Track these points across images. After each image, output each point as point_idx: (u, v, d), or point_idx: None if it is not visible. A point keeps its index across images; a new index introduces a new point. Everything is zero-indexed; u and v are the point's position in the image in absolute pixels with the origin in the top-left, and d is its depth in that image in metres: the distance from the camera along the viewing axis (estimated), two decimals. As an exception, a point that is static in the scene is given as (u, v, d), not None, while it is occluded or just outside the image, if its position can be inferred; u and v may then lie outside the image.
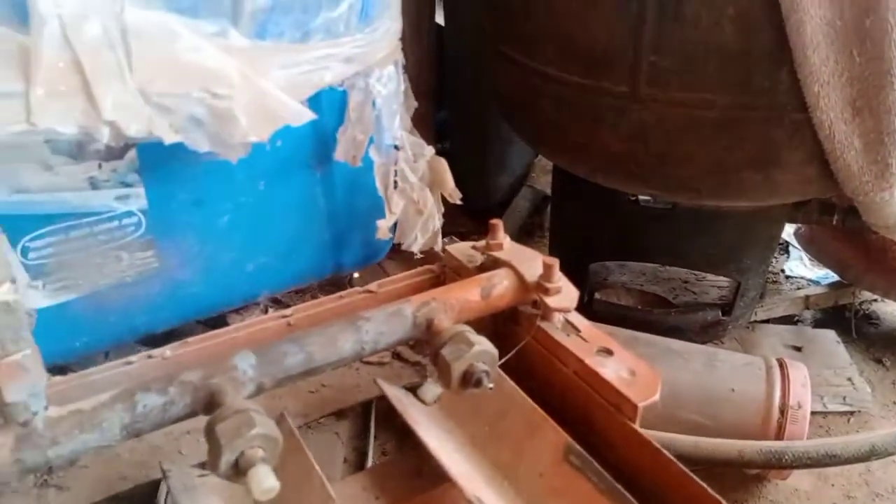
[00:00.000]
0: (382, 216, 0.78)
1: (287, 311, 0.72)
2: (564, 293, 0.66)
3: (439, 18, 1.18)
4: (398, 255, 0.86)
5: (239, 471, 0.51)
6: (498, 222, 0.72)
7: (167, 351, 0.67)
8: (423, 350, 0.76)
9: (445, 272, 0.78)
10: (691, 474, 0.53)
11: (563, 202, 1.19)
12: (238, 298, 0.76)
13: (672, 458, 0.55)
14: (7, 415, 0.51)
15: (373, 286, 0.76)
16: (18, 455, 0.51)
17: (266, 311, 0.79)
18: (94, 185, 0.62)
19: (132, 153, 0.62)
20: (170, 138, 0.55)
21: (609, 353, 0.63)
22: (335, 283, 0.84)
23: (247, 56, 0.60)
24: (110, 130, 0.52)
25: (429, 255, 0.80)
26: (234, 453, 0.51)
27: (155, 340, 0.74)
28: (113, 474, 0.65)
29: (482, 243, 0.73)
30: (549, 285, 0.65)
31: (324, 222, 0.76)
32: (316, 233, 0.76)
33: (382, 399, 0.75)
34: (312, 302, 0.75)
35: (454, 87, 1.23)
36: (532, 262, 0.68)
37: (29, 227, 0.61)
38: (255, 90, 0.60)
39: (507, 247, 0.71)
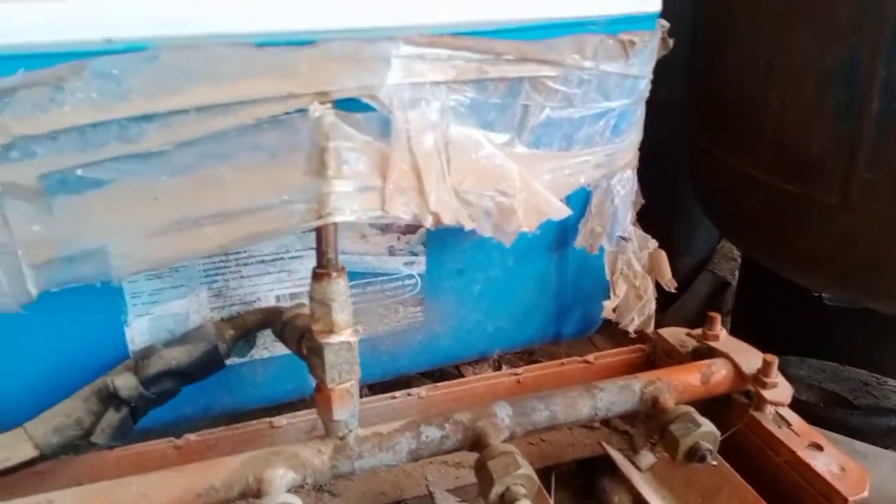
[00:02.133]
0: (602, 295, 0.90)
1: (518, 371, 0.85)
2: (780, 388, 0.73)
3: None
4: (605, 329, 0.96)
5: (504, 502, 0.63)
6: (716, 315, 0.81)
7: (423, 391, 0.81)
8: (631, 421, 0.85)
9: (656, 352, 0.88)
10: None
11: (750, 293, 1.25)
12: (476, 352, 0.89)
13: (883, 551, 0.60)
14: (331, 429, 0.66)
15: (590, 357, 0.87)
16: (334, 462, 0.66)
17: (497, 366, 0.92)
18: (391, 252, 0.78)
19: (423, 230, 0.77)
20: (469, 226, 0.70)
21: (819, 448, 0.70)
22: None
23: (525, 161, 0.74)
24: (432, 218, 0.67)
25: (639, 334, 0.90)
26: (502, 487, 0.63)
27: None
28: (374, 489, 0.78)
29: (698, 331, 0.82)
30: (766, 379, 0.73)
31: (552, 296, 0.89)
32: (545, 304, 0.89)
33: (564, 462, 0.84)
34: (539, 365, 0.87)
35: (645, 170, 1.32)
36: (748, 355, 0.77)
37: (339, 281, 0.78)
38: (530, 190, 0.73)
39: (724, 338, 0.80)
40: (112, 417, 0.65)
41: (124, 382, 0.64)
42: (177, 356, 0.66)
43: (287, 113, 0.62)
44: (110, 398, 0.65)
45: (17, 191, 0.59)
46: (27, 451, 0.64)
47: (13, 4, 0.56)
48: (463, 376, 0.90)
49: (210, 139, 0.61)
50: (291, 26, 0.62)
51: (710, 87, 1.07)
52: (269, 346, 0.78)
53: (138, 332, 0.71)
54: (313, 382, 0.78)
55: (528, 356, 0.94)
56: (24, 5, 0.56)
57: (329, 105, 0.63)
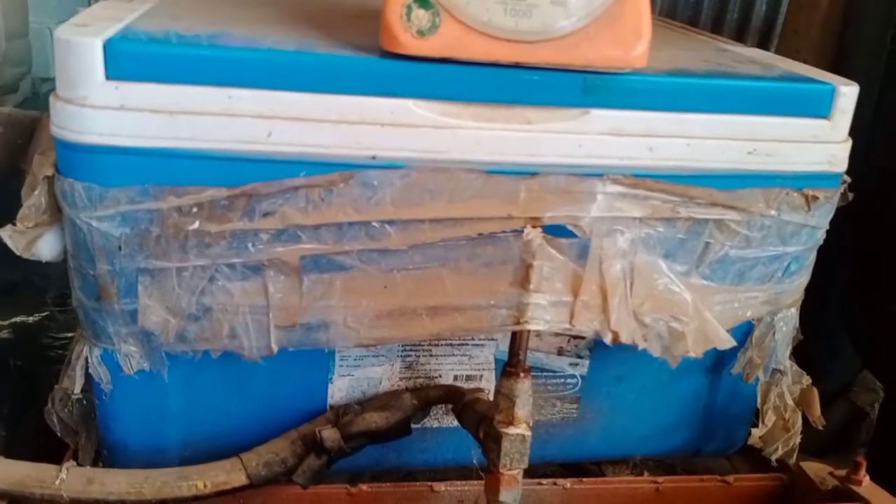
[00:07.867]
0: (748, 419, 0.94)
1: (658, 479, 0.91)
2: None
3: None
4: (745, 450, 1.00)
5: None
6: (863, 461, 0.83)
7: (567, 482, 0.88)
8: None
9: (795, 484, 0.91)
10: None
11: (891, 429, 1.24)
12: (619, 453, 0.96)
13: None
14: (494, 507, 0.74)
15: (729, 478, 0.91)
16: (492, 534, 0.74)
17: (636, 468, 0.97)
18: (559, 352, 0.87)
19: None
20: (641, 345, 0.77)
21: None
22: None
23: (699, 292, 0.81)
24: (612, 336, 0.75)
25: (780, 463, 0.93)
26: None
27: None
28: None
29: (841, 472, 0.85)
30: (908, 536, 0.75)
31: (701, 414, 0.94)
32: (692, 420, 0.94)
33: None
34: (679, 476, 0.93)
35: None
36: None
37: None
38: (700, 319, 0.80)
39: (867, 485, 0.83)
40: (313, 462, 0.76)
41: (329, 435, 0.76)
42: (377, 420, 0.77)
43: (504, 231, 0.73)
44: (314, 445, 0.76)
45: (280, 266, 0.72)
46: (240, 479, 0.76)
47: (275, 122, 0.69)
48: (602, 473, 0.96)
49: (439, 245, 0.72)
50: (517, 158, 0.73)
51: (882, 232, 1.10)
52: (438, 419, 0.88)
53: (338, 389, 0.83)
54: (470, 456, 0.88)
55: (666, 464, 0.99)
56: (302, 124, 0.69)
57: (539, 229, 0.73)
